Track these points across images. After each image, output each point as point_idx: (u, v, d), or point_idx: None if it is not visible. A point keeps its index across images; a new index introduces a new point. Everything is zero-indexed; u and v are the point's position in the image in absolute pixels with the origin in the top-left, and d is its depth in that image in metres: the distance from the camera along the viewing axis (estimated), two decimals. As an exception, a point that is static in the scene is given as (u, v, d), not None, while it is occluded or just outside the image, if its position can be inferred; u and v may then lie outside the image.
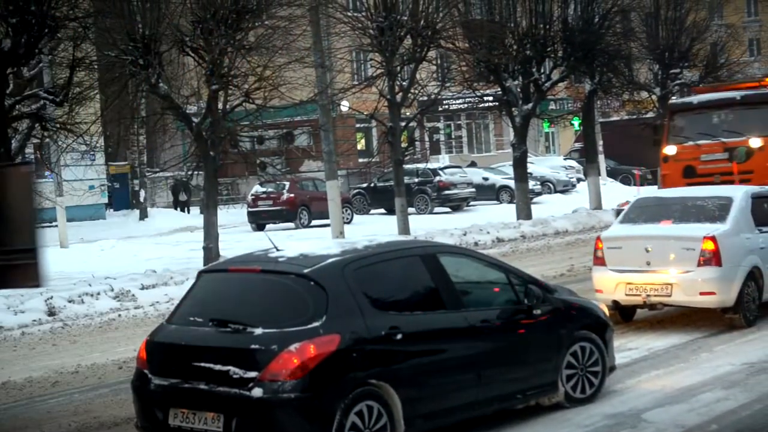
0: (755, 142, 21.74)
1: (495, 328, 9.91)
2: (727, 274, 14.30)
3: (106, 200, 50.19)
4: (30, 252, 10.90)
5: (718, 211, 14.99)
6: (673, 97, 31.38)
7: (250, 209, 41.38)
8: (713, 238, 14.26)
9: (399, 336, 9.03)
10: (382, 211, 44.03)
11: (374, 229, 33.14)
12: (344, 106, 37.92)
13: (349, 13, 30.85)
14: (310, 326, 8.64)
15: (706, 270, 14.23)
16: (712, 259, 14.23)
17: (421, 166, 45.25)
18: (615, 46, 35.72)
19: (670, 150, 22.74)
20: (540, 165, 52.31)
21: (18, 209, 11.05)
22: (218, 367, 8.64)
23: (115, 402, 12.19)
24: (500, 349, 9.92)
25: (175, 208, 51.25)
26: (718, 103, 22.90)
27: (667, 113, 24.42)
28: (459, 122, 62.11)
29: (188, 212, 50.05)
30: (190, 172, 40.50)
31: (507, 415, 10.23)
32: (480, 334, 9.75)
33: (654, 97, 39.28)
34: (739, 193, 15.56)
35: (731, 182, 20.72)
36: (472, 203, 46.19)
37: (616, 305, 14.81)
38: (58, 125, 24.11)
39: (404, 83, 30.15)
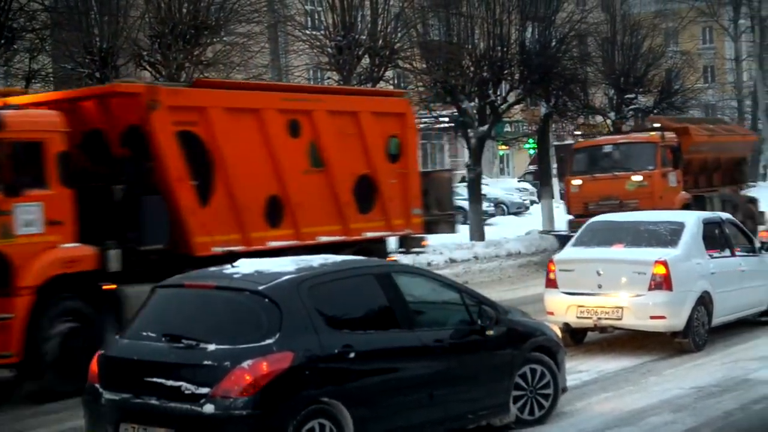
0: (637, 176, 27.41)
1: (448, 348, 9.92)
2: (678, 298, 14.45)
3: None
4: (450, 215, 20.94)
5: (670, 235, 15.15)
6: (580, 138, 34.89)
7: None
8: (664, 263, 14.40)
9: (352, 354, 9.04)
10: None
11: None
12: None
13: (308, 32, 30.82)
14: (263, 343, 8.63)
15: (657, 294, 14.37)
16: (663, 283, 14.37)
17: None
18: (571, 70, 35.93)
19: (575, 181, 28.36)
20: (494, 187, 52.38)
21: (446, 193, 20.80)
22: (170, 382, 8.61)
23: (66, 414, 12.11)
24: (453, 369, 9.92)
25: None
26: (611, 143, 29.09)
27: (572, 151, 29.80)
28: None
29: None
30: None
31: (458, 435, 10.26)
32: (433, 354, 9.77)
33: (609, 121, 39.53)
34: (691, 219, 15.74)
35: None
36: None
37: (567, 327, 14.90)
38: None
39: (361, 102, 30.08)
